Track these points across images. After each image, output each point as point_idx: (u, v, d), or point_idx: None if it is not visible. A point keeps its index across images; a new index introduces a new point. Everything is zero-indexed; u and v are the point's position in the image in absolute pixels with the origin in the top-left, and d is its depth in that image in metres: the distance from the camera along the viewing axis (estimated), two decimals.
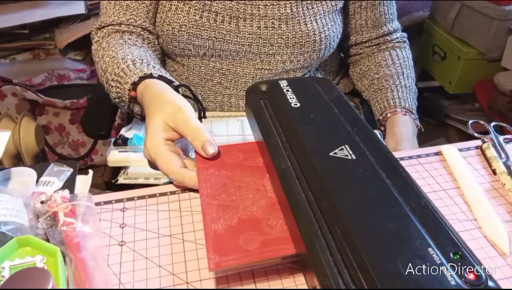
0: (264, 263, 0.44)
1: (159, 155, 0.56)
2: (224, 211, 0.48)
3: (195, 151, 0.57)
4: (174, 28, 0.80)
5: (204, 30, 0.80)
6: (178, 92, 0.67)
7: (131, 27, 0.82)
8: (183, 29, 0.80)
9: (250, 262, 0.43)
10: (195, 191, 0.56)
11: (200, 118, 0.71)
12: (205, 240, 0.45)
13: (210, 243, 0.44)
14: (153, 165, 0.58)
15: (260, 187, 0.52)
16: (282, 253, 0.44)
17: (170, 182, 0.58)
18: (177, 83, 0.69)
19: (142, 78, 0.68)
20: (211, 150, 0.55)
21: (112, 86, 0.72)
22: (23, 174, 0.60)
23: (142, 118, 0.67)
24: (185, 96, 0.68)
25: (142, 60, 0.72)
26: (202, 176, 0.54)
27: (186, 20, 0.79)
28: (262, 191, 0.51)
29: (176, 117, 0.57)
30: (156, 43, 0.85)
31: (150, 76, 0.68)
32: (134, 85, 0.68)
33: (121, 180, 0.76)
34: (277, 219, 0.47)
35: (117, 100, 0.74)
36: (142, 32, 0.82)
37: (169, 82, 0.68)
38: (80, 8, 1.59)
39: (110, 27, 0.82)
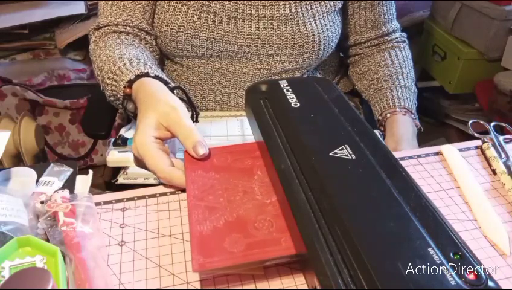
0: (248, 265, 0.44)
1: (147, 152, 0.55)
2: (210, 212, 0.48)
3: (184, 152, 0.57)
4: (173, 28, 0.80)
5: (202, 31, 0.80)
6: (173, 93, 0.67)
7: (128, 28, 0.82)
8: (181, 30, 0.80)
9: (235, 264, 0.43)
10: None
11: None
12: (190, 241, 0.45)
13: (195, 244, 0.44)
14: (139, 162, 0.58)
15: (248, 189, 0.52)
16: (267, 256, 0.43)
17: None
18: (173, 85, 0.69)
19: (138, 76, 0.68)
20: (201, 151, 0.55)
21: (108, 84, 0.72)
22: (23, 174, 0.60)
23: (135, 116, 0.67)
24: (180, 99, 0.68)
25: (139, 59, 0.73)
26: (190, 177, 0.54)
27: (184, 21, 0.79)
28: (250, 193, 0.51)
29: (168, 116, 0.57)
30: (154, 44, 0.85)
31: (147, 75, 0.68)
32: (130, 82, 0.68)
33: (121, 180, 0.76)
34: (263, 221, 0.47)
35: (112, 98, 0.74)
36: (139, 33, 0.82)
37: (165, 83, 0.68)
38: (79, 8, 1.59)
39: (107, 28, 0.82)
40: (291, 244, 0.44)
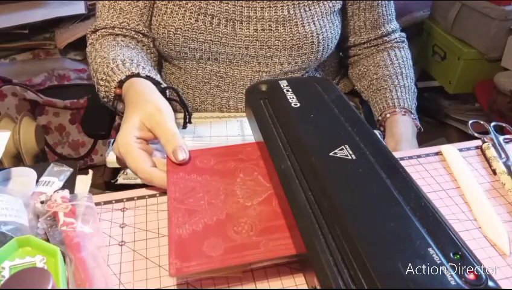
0: (226, 270, 0.44)
1: (128, 152, 0.55)
2: (190, 215, 0.48)
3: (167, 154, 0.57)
4: (170, 31, 0.80)
5: (200, 33, 0.79)
6: (165, 93, 0.66)
7: (124, 30, 0.82)
8: (178, 32, 0.79)
9: (212, 268, 0.42)
10: None
11: (185, 123, 0.70)
12: (168, 244, 0.45)
13: (173, 247, 0.44)
14: (121, 162, 0.58)
15: (229, 192, 0.51)
16: (245, 260, 0.43)
17: None
18: (165, 85, 0.69)
19: (129, 77, 0.68)
20: (181, 157, 0.55)
21: (101, 85, 0.72)
22: (23, 174, 0.60)
23: None
24: (173, 99, 0.68)
25: (132, 60, 0.72)
26: (171, 179, 0.53)
27: (181, 23, 0.79)
28: (231, 196, 0.51)
29: (153, 118, 0.57)
30: (151, 45, 0.85)
31: (137, 75, 0.68)
32: (121, 83, 0.68)
33: (121, 180, 0.76)
34: (243, 224, 0.47)
35: (105, 100, 0.74)
36: (135, 36, 0.82)
37: (156, 83, 0.68)
38: (80, 8, 1.59)
39: (103, 30, 0.82)
40: (270, 248, 0.44)
